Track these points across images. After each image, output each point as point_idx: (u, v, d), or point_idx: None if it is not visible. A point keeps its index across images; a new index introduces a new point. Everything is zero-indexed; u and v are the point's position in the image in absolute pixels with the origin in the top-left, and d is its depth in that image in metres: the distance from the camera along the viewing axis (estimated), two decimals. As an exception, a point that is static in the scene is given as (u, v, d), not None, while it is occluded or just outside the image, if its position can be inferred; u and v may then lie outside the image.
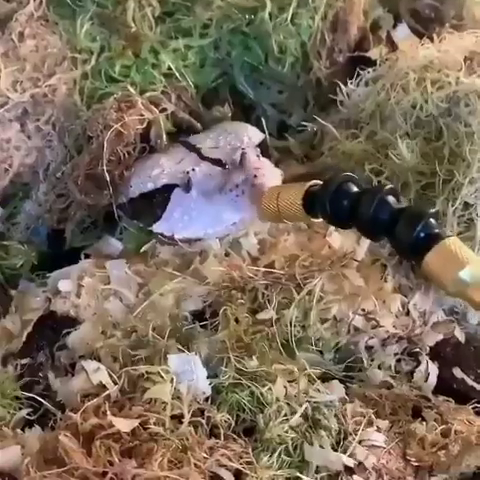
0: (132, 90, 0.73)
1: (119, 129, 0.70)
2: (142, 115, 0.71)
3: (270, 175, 0.66)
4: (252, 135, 0.72)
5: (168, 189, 0.69)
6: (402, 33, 0.85)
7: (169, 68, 0.77)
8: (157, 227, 0.70)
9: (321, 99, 0.83)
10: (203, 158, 0.69)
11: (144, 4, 0.71)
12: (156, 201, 0.69)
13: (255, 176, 0.65)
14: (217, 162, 0.68)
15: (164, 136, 0.74)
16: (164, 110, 0.75)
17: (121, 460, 0.51)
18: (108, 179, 0.71)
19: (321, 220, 0.63)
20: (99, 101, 0.74)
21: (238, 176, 0.65)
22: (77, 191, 0.72)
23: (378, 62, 0.78)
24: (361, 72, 0.77)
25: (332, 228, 0.68)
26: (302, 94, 0.83)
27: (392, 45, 0.85)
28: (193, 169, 0.67)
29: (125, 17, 0.71)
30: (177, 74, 0.77)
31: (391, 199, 0.58)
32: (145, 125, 0.72)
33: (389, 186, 0.59)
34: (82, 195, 0.72)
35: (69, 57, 0.72)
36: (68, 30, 0.73)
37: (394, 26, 0.86)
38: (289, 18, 0.76)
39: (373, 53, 0.80)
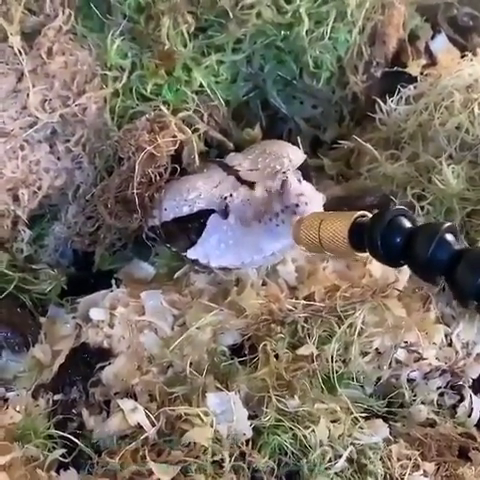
0: (165, 110, 0.71)
1: (151, 151, 0.67)
2: (175, 136, 0.69)
3: (312, 202, 0.62)
4: (293, 156, 0.69)
5: (204, 214, 0.66)
6: (441, 44, 0.83)
7: (201, 85, 0.74)
8: (191, 253, 0.67)
9: (357, 114, 0.81)
10: (242, 182, 0.66)
11: (180, 21, 0.68)
12: (191, 226, 0.66)
13: (297, 205, 0.61)
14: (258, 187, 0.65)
15: (196, 157, 0.72)
16: (196, 130, 0.73)
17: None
18: (137, 202, 0.68)
19: (367, 255, 0.58)
20: (130, 120, 0.71)
21: (278, 204, 0.62)
22: (107, 214, 0.70)
23: (419, 78, 0.75)
24: (401, 89, 0.73)
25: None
26: (337, 109, 0.81)
27: (431, 57, 0.82)
28: (231, 195, 0.65)
29: (158, 33, 0.68)
30: (208, 91, 0.74)
31: (450, 238, 0.54)
32: (177, 146, 0.70)
33: (448, 224, 0.54)
34: (112, 218, 0.70)
35: (99, 74, 0.69)
36: (98, 45, 0.70)
37: (432, 36, 0.83)
38: (329, 33, 0.73)
39: (413, 69, 0.77)
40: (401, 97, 0.74)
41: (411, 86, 0.74)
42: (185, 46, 0.70)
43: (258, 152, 0.71)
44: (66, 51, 0.68)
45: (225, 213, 0.65)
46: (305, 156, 0.70)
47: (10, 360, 0.67)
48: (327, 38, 0.74)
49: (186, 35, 0.69)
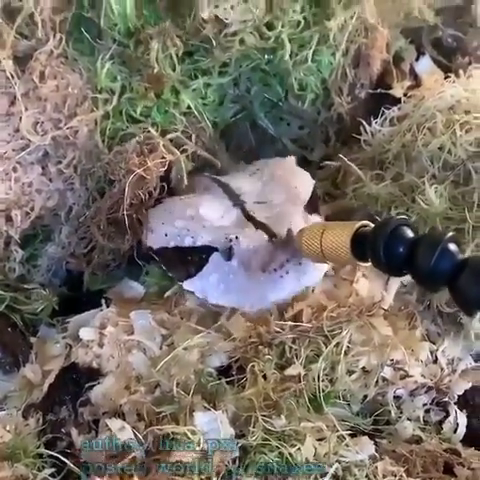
0: (153, 131, 0.72)
1: (141, 174, 0.68)
2: (164, 158, 0.70)
3: None
4: (302, 187, 0.68)
5: (207, 250, 0.65)
6: (425, 65, 0.84)
7: (188, 106, 0.75)
8: (188, 285, 0.66)
9: (343, 134, 0.82)
10: (248, 218, 0.65)
11: (169, 45, 0.69)
12: (192, 259, 0.65)
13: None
14: (263, 228, 0.64)
15: (185, 176, 0.73)
16: (185, 151, 0.74)
17: None
18: (128, 224, 0.70)
19: (369, 264, 0.58)
20: (120, 142, 0.73)
21: (283, 254, 0.61)
22: (100, 235, 0.71)
23: (402, 100, 0.77)
24: (385, 110, 0.75)
25: (359, 274, 0.67)
26: (323, 130, 0.83)
27: (415, 78, 0.83)
28: (237, 237, 0.63)
29: (148, 57, 0.69)
30: (196, 113, 0.76)
31: (453, 248, 0.53)
32: (167, 167, 0.71)
33: (450, 233, 0.54)
34: (105, 239, 0.71)
35: (90, 97, 0.70)
36: (88, 68, 0.71)
37: (417, 58, 0.84)
38: (309, 56, 0.74)
39: (397, 90, 0.79)
40: (385, 118, 0.75)
41: (395, 108, 0.75)
42: (174, 69, 0.71)
43: (263, 177, 0.70)
44: (57, 75, 0.69)
45: (228, 255, 0.64)
46: (313, 182, 0.70)
47: (1, 380, 0.68)
48: (310, 61, 0.75)
49: (175, 58, 0.70)
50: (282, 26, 0.71)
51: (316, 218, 0.66)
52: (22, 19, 0.66)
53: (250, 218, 0.65)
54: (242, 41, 0.71)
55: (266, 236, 0.63)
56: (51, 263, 0.74)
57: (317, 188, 0.72)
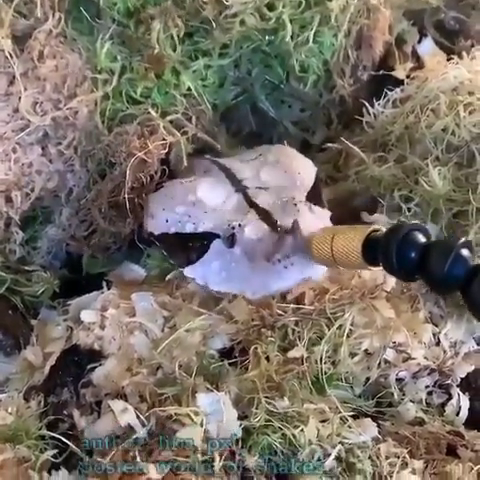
0: (153, 113, 0.71)
1: (143, 157, 0.68)
2: (164, 140, 0.69)
3: None
4: (304, 173, 0.67)
5: (208, 237, 0.64)
6: (427, 47, 0.84)
7: (188, 88, 0.74)
8: (189, 271, 0.66)
9: (345, 117, 0.82)
10: (251, 204, 0.64)
11: (170, 25, 0.68)
12: (193, 246, 0.65)
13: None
14: (266, 216, 0.62)
15: (184, 158, 0.72)
16: (185, 133, 0.74)
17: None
18: (129, 207, 0.69)
19: (380, 269, 0.58)
20: (120, 123, 0.72)
21: (288, 245, 0.60)
22: (101, 218, 0.71)
23: (405, 81, 0.76)
24: (388, 92, 0.74)
25: (361, 257, 0.66)
26: (325, 112, 0.82)
27: (418, 60, 0.83)
28: (240, 224, 0.62)
29: (148, 37, 0.69)
30: (196, 94, 0.75)
31: (466, 254, 0.54)
32: (167, 149, 0.70)
33: (463, 239, 0.54)
34: (106, 223, 0.70)
35: (90, 77, 0.70)
36: (87, 48, 0.70)
37: (419, 40, 0.84)
38: (311, 37, 0.73)
39: (399, 72, 0.78)
40: (388, 100, 0.75)
41: (398, 89, 0.75)
42: (174, 50, 0.70)
43: (265, 162, 0.69)
44: (57, 54, 0.68)
45: (231, 242, 0.63)
46: (315, 169, 0.69)
47: (1, 362, 0.67)
48: (312, 42, 0.74)
49: (176, 39, 0.70)
50: (283, 7, 0.70)
51: (318, 209, 0.65)
52: (21, -2, 0.65)
53: (253, 205, 0.64)
54: (242, 22, 0.71)
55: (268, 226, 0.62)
56: (51, 245, 0.73)
57: (320, 175, 0.70)
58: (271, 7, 0.71)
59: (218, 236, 0.63)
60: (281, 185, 0.66)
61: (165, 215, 0.66)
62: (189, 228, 0.64)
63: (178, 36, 0.70)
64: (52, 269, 0.73)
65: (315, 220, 0.62)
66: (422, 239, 0.55)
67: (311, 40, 0.73)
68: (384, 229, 0.57)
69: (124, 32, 0.70)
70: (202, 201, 0.65)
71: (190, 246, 0.65)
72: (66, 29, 0.69)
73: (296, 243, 0.60)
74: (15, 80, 0.66)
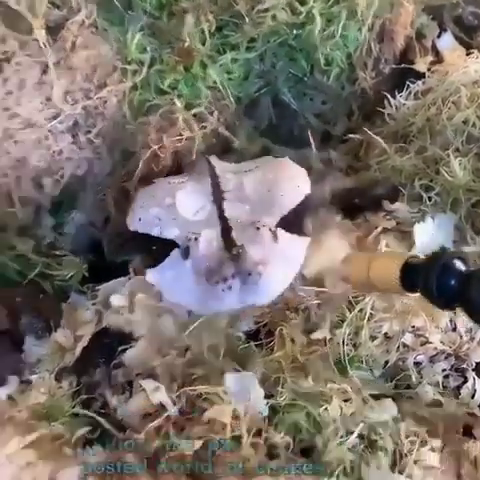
0: (178, 104, 0.73)
1: (156, 152, 0.70)
2: (181, 134, 0.72)
3: (273, 268, 0.59)
4: (288, 195, 0.66)
5: (170, 244, 0.64)
6: (447, 42, 0.85)
7: (214, 81, 0.76)
8: (149, 275, 0.66)
9: (366, 109, 0.83)
10: (221, 218, 0.63)
11: (202, 20, 0.70)
12: (156, 250, 0.65)
13: (249, 274, 0.59)
14: (227, 233, 0.61)
15: (193, 154, 0.74)
16: (204, 127, 0.75)
17: (188, 483, 0.52)
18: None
19: (418, 295, 0.58)
20: (146, 113, 0.74)
21: (231, 268, 0.59)
22: (112, 206, 0.73)
23: (426, 75, 0.78)
24: (410, 85, 0.76)
25: (383, 244, 0.68)
26: (346, 104, 0.84)
27: (437, 54, 0.84)
28: (196, 238, 0.61)
29: (179, 30, 0.70)
30: (221, 88, 0.76)
31: None
32: (182, 143, 0.73)
33: None
34: (116, 211, 0.73)
35: (119, 68, 0.71)
36: (118, 39, 0.72)
37: (439, 35, 0.85)
38: (340, 31, 0.74)
39: (420, 65, 0.80)
40: (410, 92, 0.76)
41: (419, 82, 0.76)
42: (203, 44, 0.72)
43: (255, 176, 0.68)
44: (88, 45, 0.69)
45: (185, 254, 0.62)
46: (308, 192, 0.68)
47: (33, 345, 0.69)
48: (338, 36, 0.75)
49: (206, 33, 0.71)
50: (314, 1, 0.72)
51: (287, 237, 0.63)
52: (55, -12, 0.66)
53: (222, 219, 0.63)
54: (274, 17, 0.72)
55: (223, 245, 0.61)
56: (77, 231, 0.75)
57: (311, 200, 0.69)
58: (302, 1, 0.73)
59: (178, 246, 0.63)
60: (258, 203, 0.65)
61: (140, 213, 0.67)
62: (155, 231, 0.65)
63: (209, 30, 0.71)
64: (79, 254, 0.75)
65: (274, 249, 0.61)
66: (462, 267, 0.55)
67: (339, 34, 0.75)
68: (422, 256, 0.58)
69: (155, 24, 0.71)
70: (175, 207, 0.65)
71: (153, 250, 0.65)
72: (97, 19, 0.71)
73: (239, 268, 0.59)
74: (48, 69, 0.68)
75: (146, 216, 0.66)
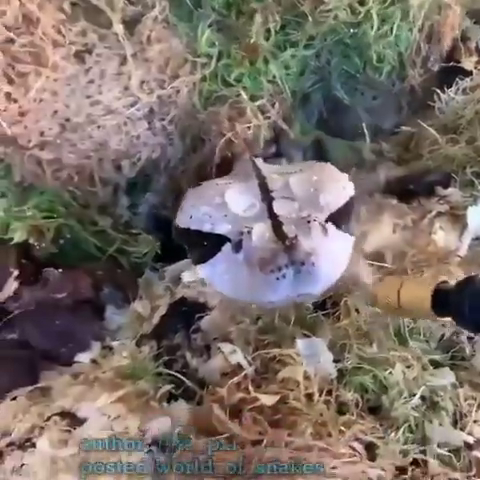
0: (244, 95, 0.78)
1: (231, 138, 0.75)
2: (250, 122, 0.77)
3: (325, 259, 0.59)
4: (335, 195, 0.66)
5: (222, 239, 0.64)
6: (490, 44, 0.91)
7: (274, 76, 0.81)
8: (200, 270, 0.66)
9: (414, 105, 0.88)
10: (271, 215, 0.63)
11: (269, 19, 0.75)
12: (207, 245, 0.65)
13: (302, 263, 0.58)
14: (278, 227, 0.61)
15: (261, 143, 0.80)
16: (269, 117, 0.81)
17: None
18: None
19: (449, 320, 0.59)
20: (214, 103, 0.79)
21: (284, 258, 0.59)
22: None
23: (474, 72, 0.83)
24: (459, 81, 0.82)
25: (437, 226, 0.74)
26: (396, 100, 0.89)
27: (480, 55, 0.90)
28: (249, 232, 0.61)
29: (247, 28, 0.75)
30: (279, 82, 0.81)
31: None
32: (251, 131, 0.78)
33: None
34: None
35: (190, 61, 0.76)
36: (187, 33, 0.76)
37: (482, 37, 0.91)
38: (394, 31, 0.80)
39: (467, 64, 0.85)
40: (458, 88, 0.82)
41: (467, 79, 0.82)
42: (267, 40, 0.77)
43: (300, 177, 0.69)
44: (161, 39, 0.74)
45: (237, 248, 0.63)
46: (352, 193, 0.68)
47: (114, 314, 0.75)
48: (392, 36, 0.80)
49: (272, 31, 0.76)
50: (372, 2, 0.76)
51: (336, 233, 0.63)
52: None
53: (272, 216, 0.63)
54: (335, 16, 0.77)
55: (276, 237, 0.61)
56: (150, 211, 0.80)
57: (355, 202, 0.69)
58: (361, 2, 0.77)
59: (230, 240, 0.63)
60: (306, 201, 0.65)
61: (191, 211, 0.68)
62: (207, 228, 0.65)
63: (275, 30, 0.76)
64: (151, 234, 0.79)
65: (325, 242, 0.61)
66: None
67: (394, 33, 0.80)
68: (452, 282, 0.59)
69: (223, 21, 0.76)
70: (226, 205, 0.66)
71: (205, 245, 0.66)
72: (169, 15, 0.75)
73: (292, 258, 0.59)
74: (126, 61, 0.73)
75: (197, 214, 0.67)
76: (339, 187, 0.68)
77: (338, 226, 0.64)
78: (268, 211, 0.64)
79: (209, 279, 0.66)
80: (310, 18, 0.77)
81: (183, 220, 0.68)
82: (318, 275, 0.58)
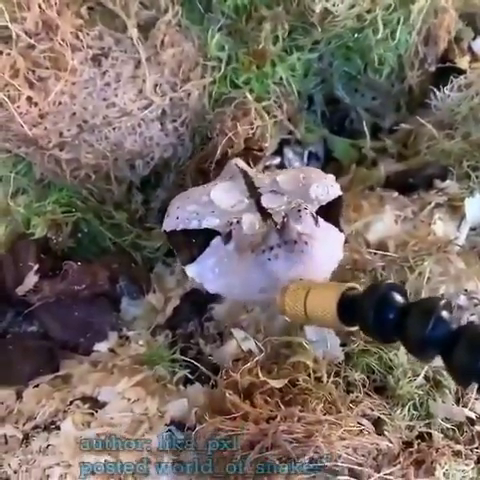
0: (250, 97, 0.82)
1: (231, 137, 0.79)
2: (252, 123, 0.80)
3: (315, 245, 0.58)
4: (323, 190, 0.66)
5: (210, 233, 0.64)
6: (481, 44, 0.95)
7: (280, 78, 0.85)
8: (189, 270, 0.67)
9: (412, 104, 0.92)
10: (260, 209, 0.64)
11: (278, 27, 0.79)
12: (195, 242, 0.65)
13: (295, 242, 0.58)
14: (268, 218, 0.61)
15: (268, 141, 0.83)
16: (275, 116, 0.85)
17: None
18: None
19: (356, 329, 0.55)
20: (222, 105, 0.83)
21: (276, 237, 0.58)
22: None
23: (468, 71, 0.87)
24: (454, 79, 0.86)
25: (436, 217, 0.77)
26: (395, 100, 0.93)
27: (473, 55, 0.94)
28: (238, 221, 0.61)
29: (256, 33, 0.79)
30: (286, 84, 0.85)
31: (447, 316, 0.49)
32: (254, 131, 0.81)
33: (444, 301, 0.50)
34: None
35: (201, 64, 0.80)
36: (199, 37, 0.80)
37: (474, 38, 0.95)
38: (398, 35, 0.83)
39: (462, 63, 0.89)
40: (453, 86, 0.86)
41: (462, 77, 0.86)
42: (275, 44, 0.81)
43: (291, 172, 0.71)
44: (174, 42, 0.78)
45: (227, 238, 0.62)
46: (339, 193, 0.69)
47: (129, 305, 0.78)
48: (396, 40, 0.84)
49: (280, 38, 0.80)
50: (379, 9, 0.80)
51: (326, 226, 0.64)
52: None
53: (261, 209, 0.64)
54: (343, 25, 0.80)
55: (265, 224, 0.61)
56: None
57: (344, 202, 0.71)
58: (369, 10, 0.81)
59: (219, 234, 0.63)
60: (295, 194, 0.65)
61: (177, 213, 0.68)
62: (194, 225, 0.65)
63: (283, 37, 0.80)
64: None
65: (314, 230, 0.60)
66: (400, 300, 0.52)
67: (397, 38, 0.84)
68: (359, 288, 0.56)
69: (233, 25, 0.80)
70: (213, 202, 0.66)
71: (193, 242, 0.65)
72: (181, 19, 0.79)
73: (284, 237, 0.58)
74: (140, 65, 0.76)
75: (183, 214, 0.67)
76: (327, 184, 0.68)
77: (328, 220, 0.65)
78: (256, 205, 0.64)
79: (199, 278, 0.66)
80: (319, 28, 0.80)
81: (170, 223, 0.68)
82: (312, 256, 0.58)
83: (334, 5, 0.77)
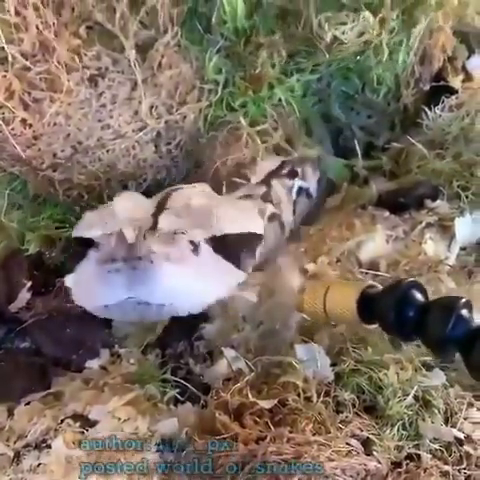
0: (243, 122, 0.82)
1: (218, 166, 0.80)
2: (245, 147, 0.82)
3: (175, 270, 0.57)
4: (232, 220, 0.66)
5: (90, 243, 0.63)
6: (475, 63, 0.96)
7: (279, 99, 0.86)
8: (67, 280, 0.66)
9: (406, 122, 0.94)
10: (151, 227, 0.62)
11: (274, 56, 0.80)
12: (73, 251, 0.66)
13: (139, 258, 0.56)
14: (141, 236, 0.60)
15: (255, 168, 0.83)
16: (266, 141, 0.85)
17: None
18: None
19: (375, 327, 0.57)
20: (217, 128, 0.84)
21: (122, 251, 0.57)
22: None
23: (460, 91, 0.88)
24: (445, 99, 0.87)
25: (427, 236, 0.78)
26: (390, 118, 0.94)
27: (466, 74, 0.95)
28: (111, 234, 0.60)
29: (253, 58, 0.80)
30: (285, 105, 0.86)
31: (467, 314, 0.50)
32: (243, 160, 0.82)
33: (463, 300, 0.50)
34: None
35: (198, 87, 0.81)
36: (197, 58, 0.81)
37: (467, 57, 0.96)
38: (401, 57, 0.85)
39: (455, 83, 0.90)
40: (445, 106, 0.87)
41: (453, 97, 0.87)
42: (273, 67, 0.82)
43: (207, 195, 0.70)
44: (172, 64, 0.79)
45: (96, 250, 0.62)
46: (257, 232, 0.69)
47: (121, 323, 0.78)
48: (389, 60, 0.86)
49: (277, 65, 0.81)
50: (385, 33, 0.82)
51: (210, 254, 0.63)
52: (145, 11, 0.75)
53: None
54: (349, 49, 0.81)
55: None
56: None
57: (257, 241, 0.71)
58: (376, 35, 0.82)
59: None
60: (195, 217, 0.65)
61: (82, 220, 0.68)
62: (78, 233, 0.65)
63: (280, 63, 0.81)
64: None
65: (190, 257, 0.60)
66: (420, 298, 0.52)
67: (400, 59, 0.86)
68: (379, 286, 0.56)
69: (231, 47, 0.81)
70: (113, 211, 0.66)
71: (75, 250, 0.65)
72: (180, 39, 0.79)
73: (131, 252, 0.57)
74: (137, 86, 0.77)
75: (81, 222, 0.67)
76: (243, 218, 0.68)
77: (220, 252, 0.64)
78: (151, 225, 0.62)
79: (72, 289, 0.64)
80: (327, 55, 0.81)
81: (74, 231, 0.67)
82: (155, 278, 0.56)
83: (344, 33, 0.78)
